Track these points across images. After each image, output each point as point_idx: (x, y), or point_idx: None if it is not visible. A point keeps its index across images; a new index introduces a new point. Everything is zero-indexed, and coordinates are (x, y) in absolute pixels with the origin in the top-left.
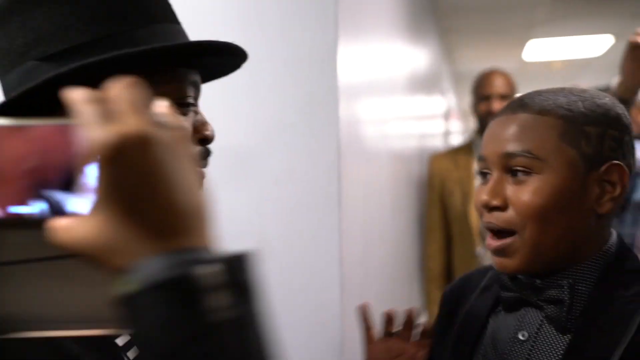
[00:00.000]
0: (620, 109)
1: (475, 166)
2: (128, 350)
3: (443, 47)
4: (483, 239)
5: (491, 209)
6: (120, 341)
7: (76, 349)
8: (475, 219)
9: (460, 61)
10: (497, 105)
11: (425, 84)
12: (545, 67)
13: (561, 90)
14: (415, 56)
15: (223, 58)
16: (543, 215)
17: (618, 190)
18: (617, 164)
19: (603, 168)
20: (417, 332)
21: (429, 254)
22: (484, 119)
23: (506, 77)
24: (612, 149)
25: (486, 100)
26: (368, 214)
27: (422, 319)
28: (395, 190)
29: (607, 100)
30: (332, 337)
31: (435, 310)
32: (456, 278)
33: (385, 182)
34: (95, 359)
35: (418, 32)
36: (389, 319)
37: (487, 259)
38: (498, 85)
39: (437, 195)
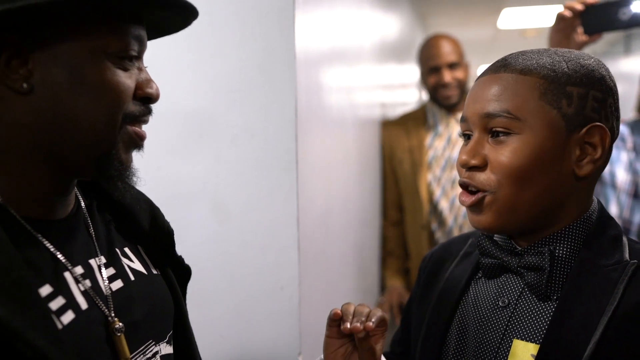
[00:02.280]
0: (604, 70)
1: (429, 138)
2: (61, 314)
3: (417, 14)
4: (436, 214)
5: (469, 168)
6: (53, 305)
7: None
8: (425, 193)
9: (434, 29)
10: (447, 76)
11: (397, 51)
12: (520, 34)
13: (546, 51)
14: (386, 23)
15: (171, 12)
16: (520, 175)
17: (599, 153)
18: (599, 125)
19: (584, 130)
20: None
21: (384, 235)
22: (434, 90)
23: (452, 42)
24: (594, 110)
25: (435, 72)
26: (330, 178)
27: (377, 312)
28: (363, 158)
29: (592, 61)
30: (290, 298)
31: (393, 296)
32: (412, 253)
33: (351, 149)
34: (21, 321)
35: None
36: (339, 318)
37: (441, 236)
38: (445, 54)
39: (389, 166)
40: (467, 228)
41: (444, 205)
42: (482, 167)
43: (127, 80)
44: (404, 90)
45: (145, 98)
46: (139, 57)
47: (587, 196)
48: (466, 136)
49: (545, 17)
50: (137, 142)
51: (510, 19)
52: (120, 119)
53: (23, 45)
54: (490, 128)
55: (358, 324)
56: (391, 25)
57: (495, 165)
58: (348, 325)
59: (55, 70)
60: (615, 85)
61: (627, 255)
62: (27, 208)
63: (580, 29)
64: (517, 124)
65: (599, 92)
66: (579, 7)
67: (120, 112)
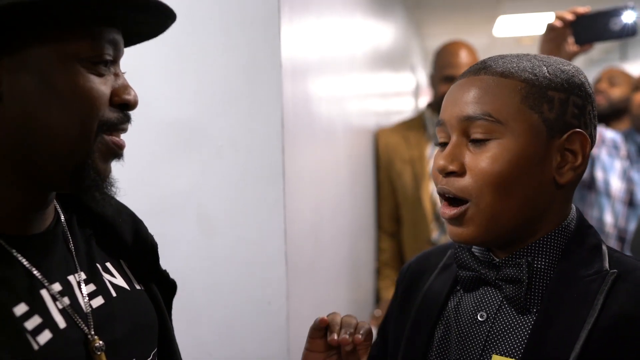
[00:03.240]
0: (583, 77)
1: (430, 149)
2: (38, 334)
3: (412, 22)
4: (440, 224)
5: (447, 174)
6: (29, 325)
7: None
8: (429, 204)
9: (430, 37)
10: None
11: (392, 60)
12: (515, 42)
13: (525, 56)
14: (380, 31)
15: (146, 15)
16: (501, 183)
17: (579, 160)
18: (580, 132)
19: (565, 136)
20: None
21: (380, 246)
22: (442, 99)
23: (472, 53)
24: (574, 116)
25: (449, 81)
26: (319, 189)
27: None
28: (355, 168)
29: (571, 67)
30: (277, 313)
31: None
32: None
33: (342, 159)
34: None
35: (383, 7)
36: (325, 327)
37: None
38: (464, 65)
39: (385, 176)
40: None
41: None
42: (460, 173)
43: (101, 86)
44: (399, 98)
45: (123, 105)
46: (115, 61)
47: (565, 204)
48: (443, 145)
49: (541, 25)
50: (116, 151)
51: (505, 26)
52: (96, 127)
53: None
54: (470, 132)
55: (346, 336)
56: (385, 34)
57: (475, 172)
58: (335, 336)
59: (24, 77)
60: (593, 94)
61: (606, 265)
62: (2, 223)
63: (571, 39)
64: (497, 127)
65: (579, 98)
66: (569, 17)
67: (95, 120)
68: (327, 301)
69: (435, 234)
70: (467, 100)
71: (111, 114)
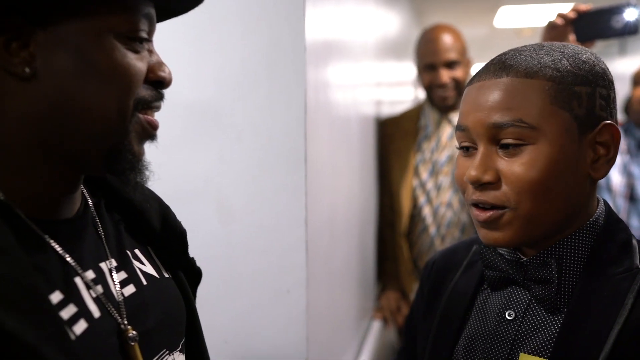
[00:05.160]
0: (603, 64)
1: (418, 140)
2: (74, 324)
3: (414, 12)
4: (419, 221)
5: (481, 185)
6: (65, 314)
7: (11, 324)
8: (407, 199)
9: None
10: (444, 75)
11: (396, 49)
12: (516, 34)
13: (541, 48)
14: (387, 20)
15: None
16: (540, 188)
17: (612, 152)
18: (610, 123)
19: (596, 130)
20: None
21: (382, 237)
22: (429, 89)
23: (453, 36)
24: (602, 108)
25: (431, 69)
26: (335, 177)
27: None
28: (363, 157)
29: (589, 55)
30: (296, 302)
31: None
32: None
33: (355, 147)
34: (35, 335)
35: None
36: None
37: (421, 245)
38: (443, 51)
39: (384, 168)
40: (450, 240)
41: (426, 212)
42: (495, 183)
43: (138, 62)
44: (401, 88)
45: (157, 82)
46: (149, 38)
47: (593, 198)
48: (465, 148)
49: (541, 17)
50: (150, 131)
51: (506, 17)
52: (132, 106)
53: (23, 26)
54: (500, 139)
55: None
56: (392, 23)
57: (512, 180)
58: None
59: (59, 53)
60: (612, 78)
61: (637, 262)
62: (32, 207)
63: (572, 37)
64: (530, 132)
65: (603, 88)
66: (571, 14)
67: (132, 98)
68: (340, 291)
69: (415, 232)
70: (492, 105)
71: (146, 92)
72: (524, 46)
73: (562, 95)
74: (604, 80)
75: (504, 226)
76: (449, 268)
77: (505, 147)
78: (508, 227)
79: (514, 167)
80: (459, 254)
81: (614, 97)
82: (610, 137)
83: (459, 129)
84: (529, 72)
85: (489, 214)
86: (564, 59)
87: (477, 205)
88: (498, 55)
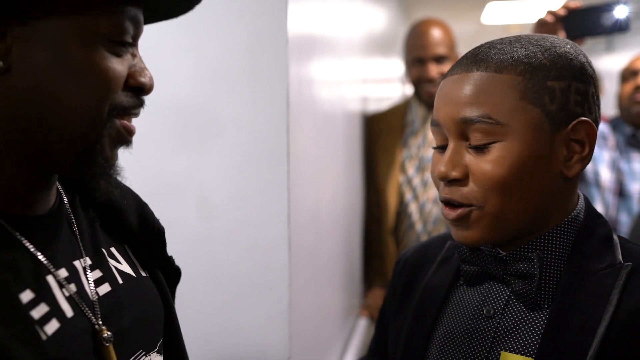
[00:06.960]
0: (582, 57)
1: (404, 136)
2: (45, 323)
3: (401, 8)
4: (405, 218)
5: (449, 181)
6: (36, 314)
7: None
8: (393, 196)
9: None
10: (433, 70)
11: (383, 46)
12: (504, 30)
13: (518, 40)
14: (373, 16)
15: None
16: (507, 186)
17: (587, 150)
18: (585, 120)
19: (570, 126)
20: None
21: (369, 234)
22: (417, 84)
23: (443, 30)
24: (577, 104)
25: (419, 63)
26: (319, 173)
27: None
28: (349, 153)
29: (569, 48)
30: (279, 299)
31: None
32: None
33: (340, 143)
34: (4, 334)
35: None
36: None
37: (408, 242)
38: (433, 45)
39: (371, 164)
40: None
41: (413, 209)
42: (463, 179)
43: (119, 66)
44: (388, 84)
45: (137, 88)
46: (133, 42)
47: (573, 194)
48: (440, 148)
49: (529, 13)
50: (126, 137)
51: (494, 14)
52: (107, 110)
53: (1, 18)
54: (469, 135)
55: None
56: (378, 18)
57: (478, 177)
58: None
59: (36, 48)
60: (594, 72)
61: (619, 257)
62: (3, 203)
63: (562, 34)
64: (498, 129)
65: (580, 83)
66: (561, 12)
67: (108, 102)
68: (325, 288)
69: (402, 229)
70: (461, 100)
71: (124, 97)
72: (502, 38)
73: (533, 90)
74: (582, 75)
75: (473, 224)
76: (422, 264)
77: (474, 142)
78: (477, 225)
79: (482, 164)
80: (432, 249)
81: (594, 93)
82: (585, 134)
83: (433, 124)
84: (499, 66)
85: (457, 211)
86: (539, 53)
87: (447, 203)
88: (473, 48)
